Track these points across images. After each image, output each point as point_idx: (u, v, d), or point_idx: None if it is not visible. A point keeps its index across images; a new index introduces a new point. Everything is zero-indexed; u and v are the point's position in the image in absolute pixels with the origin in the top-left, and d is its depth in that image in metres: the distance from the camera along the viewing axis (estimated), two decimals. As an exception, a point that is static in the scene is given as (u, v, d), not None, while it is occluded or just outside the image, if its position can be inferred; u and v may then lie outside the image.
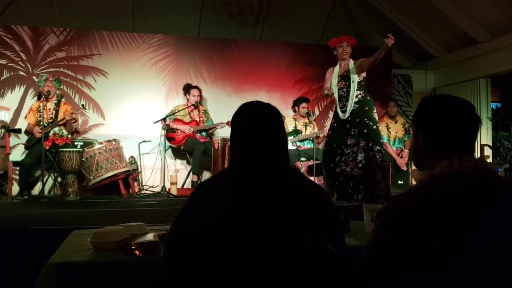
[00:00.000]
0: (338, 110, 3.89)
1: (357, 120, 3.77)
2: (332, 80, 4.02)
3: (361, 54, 6.66)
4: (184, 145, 5.50)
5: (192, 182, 5.45)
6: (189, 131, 5.46)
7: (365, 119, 3.76)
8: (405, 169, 5.75)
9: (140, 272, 1.51)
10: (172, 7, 6.40)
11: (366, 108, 3.84)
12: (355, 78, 3.87)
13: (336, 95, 3.95)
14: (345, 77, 3.94)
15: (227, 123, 5.32)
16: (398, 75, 7.08)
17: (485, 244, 0.98)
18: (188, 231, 1.24)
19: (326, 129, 5.83)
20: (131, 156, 5.53)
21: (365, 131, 3.73)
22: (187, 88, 5.63)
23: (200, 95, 5.69)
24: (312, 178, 5.15)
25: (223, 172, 1.43)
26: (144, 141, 5.62)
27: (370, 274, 1.06)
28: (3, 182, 5.05)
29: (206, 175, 5.83)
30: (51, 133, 5.03)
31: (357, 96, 3.85)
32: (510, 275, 0.97)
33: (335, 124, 3.86)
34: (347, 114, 3.80)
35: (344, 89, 3.89)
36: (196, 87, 5.65)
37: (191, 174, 5.49)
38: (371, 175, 3.68)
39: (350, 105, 3.79)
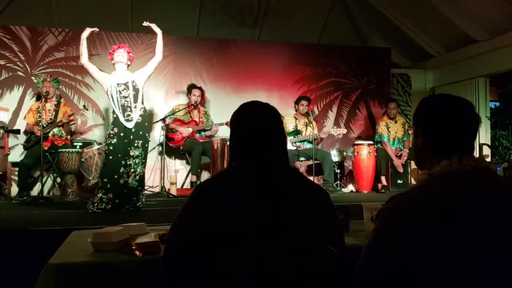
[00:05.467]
0: (123, 119, 3.72)
1: (141, 132, 3.78)
2: (113, 88, 3.77)
3: (360, 54, 6.74)
4: (183, 145, 5.50)
5: (191, 183, 5.45)
6: (187, 132, 5.46)
7: (146, 134, 3.85)
8: (401, 170, 5.75)
9: (141, 273, 1.51)
10: (171, 7, 6.40)
11: (146, 123, 3.90)
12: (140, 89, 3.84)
13: (117, 103, 3.74)
14: (128, 86, 3.79)
15: (226, 123, 5.32)
16: (397, 74, 7.09)
17: (485, 243, 0.98)
18: (188, 231, 1.24)
19: (326, 129, 5.84)
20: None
21: (146, 145, 3.85)
22: (190, 88, 5.63)
23: (202, 96, 5.68)
24: (311, 178, 5.16)
25: (222, 172, 1.43)
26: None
27: (370, 273, 1.06)
28: (2, 183, 5.05)
29: (204, 175, 5.83)
30: (50, 134, 5.02)
31: (141, 109, 3.81)
32: (510, 274, 0.97)
33: (121, 134, 3.70)
34: (133, 124, 3.73)
35: (128, 99, 3.76)
36: (199, 87, 5.65)
37: (190, 174, 5.49)
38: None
39: (136, 117, 3.75)
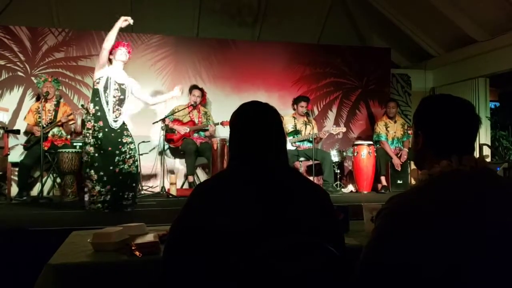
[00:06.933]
0: (111, 118, 3.73)
1: (126, 126, 3.85)
2: (110, 82, 3.77)
3: (360, 54, 6.75)
4: (181, 145, 5.51)
5: (189, 183, 5.45)
6: (184, 131, 5.46)
7: (129, 131, 3.89)
8: (399, 169, 5.75)
9: (140, 273, 1.50)
10: (171, 7, 6.40)
11: (125, 125, 3.93)
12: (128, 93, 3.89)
13: (110, 100, 3.74)
14: (121, 88, 3.83)
15: (221, 123, 5.33)
16: (397, 74, 7.09)
17: (484, 243, 0.98)
18: (188, 231, 1.24)
19: (326, 129, 5.83)
20: (130, 157, 5.52)
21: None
22: (191, 88, 5.64)
23: (203, 97, 5.68)
24: (311, 178, 5.16)
25: (222, 172, 1.43)
26: (143, 142, 5.61)
27: (370, 274, 1.06)
28: (1, 183, 5.04)
29: (201, 174, 5.84)
30: (50, 134, 5.02)
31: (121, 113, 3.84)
32: (510, 273, 0.98)
33: (106, 129, 3.69)
34: (119, 125, 3.78)
35: (117, 99, 3.78)
36: (200, 88, 5.65)
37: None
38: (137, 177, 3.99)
39: (122, 119, 3.82)
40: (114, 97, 3.78)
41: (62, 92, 5.59)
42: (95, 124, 3.69)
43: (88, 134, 3.72)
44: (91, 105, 3.75)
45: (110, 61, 3.91)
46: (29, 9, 6.01)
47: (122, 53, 3.88)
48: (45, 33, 5.70)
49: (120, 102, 3.83)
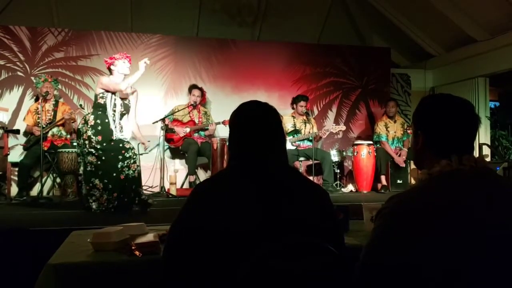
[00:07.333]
0: (118, 133, 3.77)
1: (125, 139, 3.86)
2: (115, 98, 3.81)
3: (360, 53, 6.75)
4: (182, 145, 5.51)
5: (190, 183, 5.45)
6: (184, 132, 5.46)
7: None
8: (403, 165, 5.76)
9: (140, 273, 1.50)
10: (171, 7, 6.40)
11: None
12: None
13: (118, 113, 3.81)
14: (124, 103, 3.88)
15: (223, 122, 5.33)
16: (397, 74, 7.09)
17: (484, 244, 0.98)
18: (187, 231, 1.24)
19: (325, 128, 5.83)
20: (130, 157, 5.52)
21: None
22: (190, 88, 5.64)
23: (203, 97, 5.68)
24: (311, 178, 5.16)
25: (222, 172, 1.43)
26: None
27: (370, 274, 1.06)
28: (1, 183, 5.04)
29: (201, 174, 5.83)
30: (49, 134, 5.02)
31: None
32: (510, 273, 0.98)
33: (104, 144, 3.68)
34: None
35: (120, 114, 3.83)
36: (200, 88, 5.65)
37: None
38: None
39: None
40: (119, 111, 3.81)
41: (62, 92, 5.59)
42: (93, 136, 3.66)
43: (86, 143, 3.68)
44: (92, 117, 3.72)
45: (110, 71, 3.89)
46: (29, 9, 6.00)
47: (125, 67, 3.84)
48: (45, 33, 5.70)
49: (121, 116, 3.86)
